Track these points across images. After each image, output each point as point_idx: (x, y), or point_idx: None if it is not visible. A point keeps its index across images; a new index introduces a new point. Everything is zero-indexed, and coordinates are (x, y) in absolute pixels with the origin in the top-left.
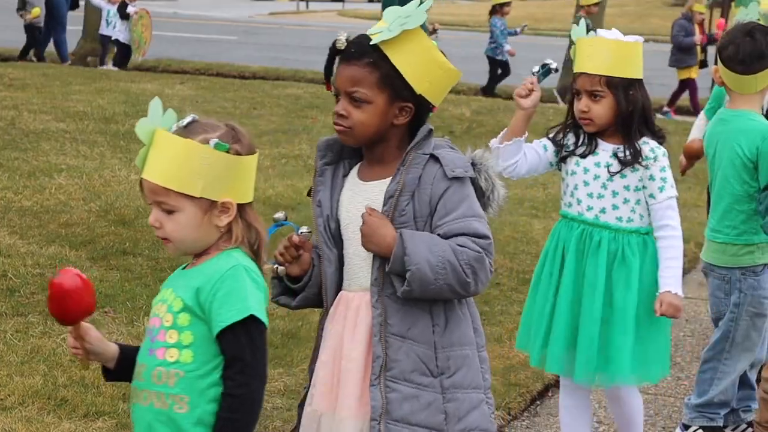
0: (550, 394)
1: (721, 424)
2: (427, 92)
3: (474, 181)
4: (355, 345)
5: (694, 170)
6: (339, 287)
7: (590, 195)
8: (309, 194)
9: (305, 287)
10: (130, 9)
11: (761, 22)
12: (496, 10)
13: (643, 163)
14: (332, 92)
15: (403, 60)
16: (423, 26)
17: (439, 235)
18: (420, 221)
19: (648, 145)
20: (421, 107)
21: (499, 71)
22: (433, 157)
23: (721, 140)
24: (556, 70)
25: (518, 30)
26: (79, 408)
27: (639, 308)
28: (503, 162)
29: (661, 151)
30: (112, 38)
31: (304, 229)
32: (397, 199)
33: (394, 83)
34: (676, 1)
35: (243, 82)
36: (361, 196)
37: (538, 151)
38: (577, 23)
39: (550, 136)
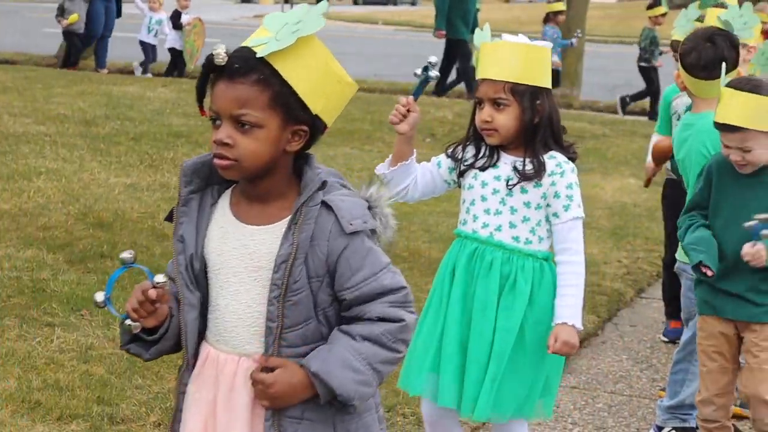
0: None
1: (694, 425)
2: (324, 111)
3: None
4: (235, 425)
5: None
6: (202, 336)
7: (487, 211)
8: (168, 219)
9: (161, 339)
10: (184, 18)
11: (720, 27)
12: (549, 18)
13: (548, 178)
14: (210, 117)
15: (297, 75)
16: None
17: (348, 300)
18: (315, 282)
19: (555, 160)
20: (315, 129)
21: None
22: (326, 206)
23: (689, 142)
24: (437, 77)
25: (573, 41)
26: (53, 411)
27: (519, 341)
28: (394, 188)
29: (569, 166)
30: (166, 47)
31: (159, 278)
32: (292, 265)
33: (287, 103)
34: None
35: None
36: (238, 241)
37: (432, 170)
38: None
39: (449, 151)
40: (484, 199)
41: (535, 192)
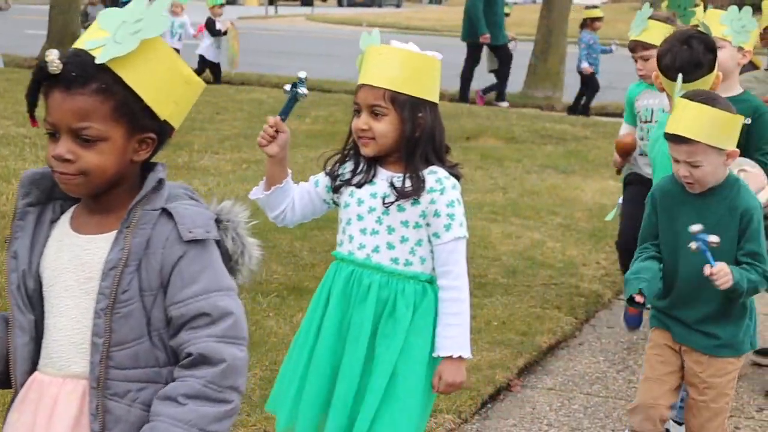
0: (501, 398)
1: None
2: (172, 116)
3: (219, 243)
4: None
5: None
6: (34, 364)
7: (363, 231)
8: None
9: None
10: (219, 26)
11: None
12: (586, 24)
13: (427, 195)
14: (46, 130)
15: (142, 81)
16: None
17: (173, 319)
18: (148, 296)
19: (435, 175)
20: (163, 135)
21: (586, 88)
22: (166, 213)
23: (659, 143)
24: (304, 96)
25: (612, 47)
26: None
27: (398, 373)
28: (270, 213)
29: (450, 182)
30: (197, 52)
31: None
32: (122, 272)
33: (132, 111)
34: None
35: (207, 86)
36: (72, 253)
37: (310, 190)
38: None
39: (327, 169)
40: (360, 218)
41: (413, 210)
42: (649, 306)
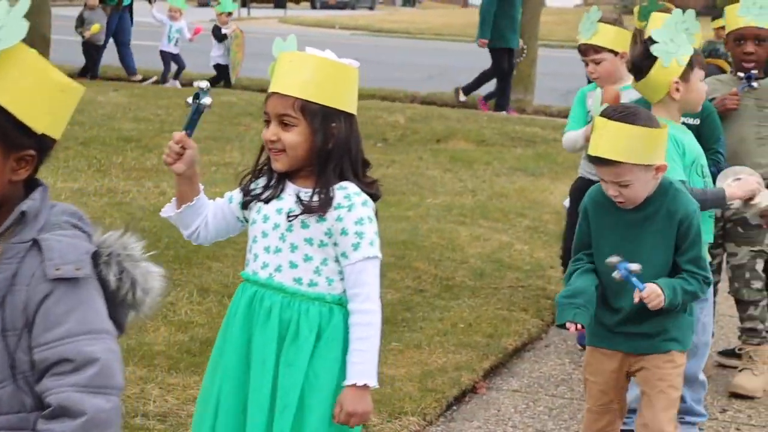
0: (466, 400)
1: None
2: (50, 127)
3: (102, 277)
4: None
5: None
6: None
7: (267, 249)
8: None
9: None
10: (225, 31)
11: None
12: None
13: (334, 212)
14: None
15: (10, 96)
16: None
17: (36, 363)
18: (11, 336)
19: (344, 191)
20: (44, 149)
21: None
22: (37, 245)
23: None
24: (209, 106)
25: None
26: None
27: (305, 406)
28: (184, 231)
29: (360, 198)
30: (211, 64)
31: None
32: None
33: (3, 130)
34: (616, 11)
35: (179, 89)
36: None
37: (223, 207)
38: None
39: (242, 184)
40: (264, 235)
41: (317, 227)
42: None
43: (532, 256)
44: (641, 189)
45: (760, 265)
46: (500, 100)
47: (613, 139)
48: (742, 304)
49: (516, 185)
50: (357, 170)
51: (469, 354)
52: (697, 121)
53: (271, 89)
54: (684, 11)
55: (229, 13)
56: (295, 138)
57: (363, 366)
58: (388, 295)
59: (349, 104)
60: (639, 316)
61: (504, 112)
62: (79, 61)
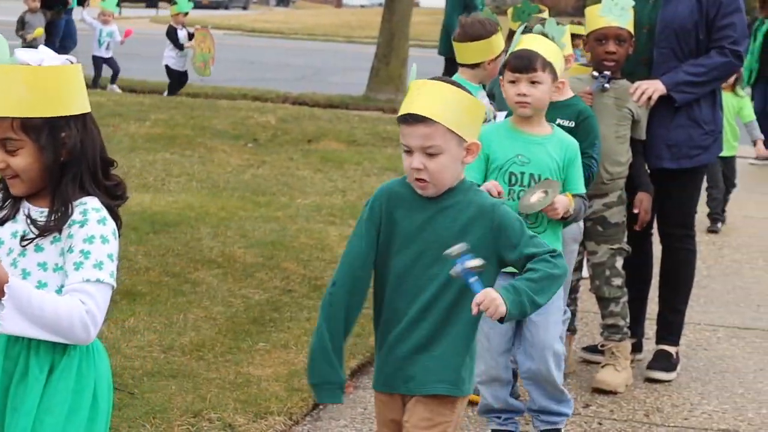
0: None
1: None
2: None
3: None
4: None
5: None
6: None
7: None
8: None
9: None
10: (181, 35)
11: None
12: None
13: (67, 230)
14: None
15: None
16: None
17: None
18: None
19: (83, 206)
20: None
21: None
22: None
23: None
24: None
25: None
26: None
27: None
28: None
29: (97, 215)
30: (163, 63)
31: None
32: None
33: None
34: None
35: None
36: None
37: None
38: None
39: None
40: None
41: (52, 249)
42: None
43: None
44: (449, 166)
45: (619, 263)
46: None
47: (431, 97)
48: (603, 302)
49: None
50: (97, 175)
51: None
52: (572, 124)
53: None
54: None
55: (186, 13)
56: (23, 161)
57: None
58: (256, 295)
59: (76, 105)
60: (410, 340)
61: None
62: None
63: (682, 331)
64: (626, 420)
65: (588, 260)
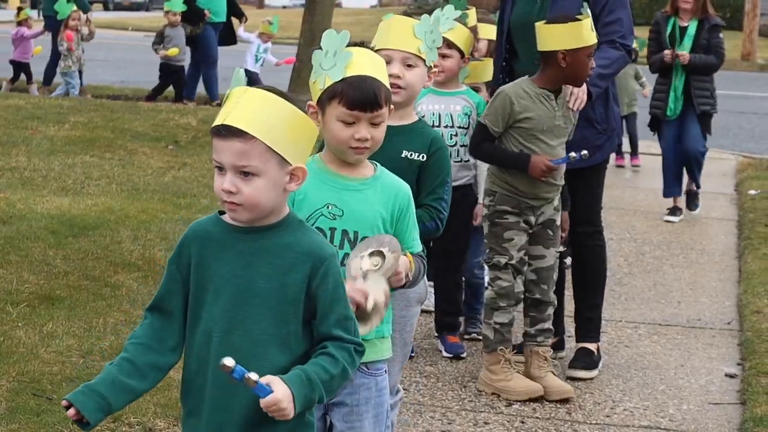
0: None
1: None
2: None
3: None
4: None
5: None
6: None
7: None
8: None
9: None
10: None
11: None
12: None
13: None
14: None
15: None
16: None
17: None
18: None
19: None
20: None
21: None
22: None
23: None
24: None
25: None
26: None
27: None
28: None
29: None
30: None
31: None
32: None
33: None
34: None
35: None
36: None
37: None
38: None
39: None
40: None
41: None
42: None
43: None
44: (266, 191)
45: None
46: None
47: (249, 108)
48: (541, 306)
49: None
50: None
51: None
52: (422, 157)
53: None
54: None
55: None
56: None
57: None
58: None
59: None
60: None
61: None
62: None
63: (602, 327)
64: (548, 418)
65: (530, 264)
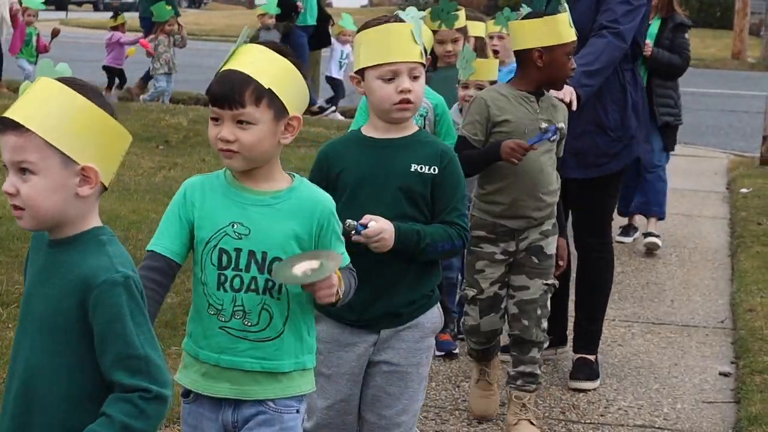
0: None
1: None
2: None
3: None
4: None
5: None
6: None
7: None
8: None
9: None
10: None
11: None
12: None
13: None
14: None
15: None
16: None
17: None
18: None
19: None
20: None
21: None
22: None
23: None
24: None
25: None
26: None
27: None
28: None
29: None
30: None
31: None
32: None
33: None
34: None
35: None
36: None
37: None
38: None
39: None
40: None
41: None
42: None
43: None
44: (47, 192)
45: (548, 302)
46: None
47: (32, 99)
48: (525, 346)
49: None
50: None
51: None
52: (434, 170)
53: None
54: (494, 12)
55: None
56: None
57: None
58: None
59: None
60: None
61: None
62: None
63: None
64: (543, 417)
65: (513, 297)
